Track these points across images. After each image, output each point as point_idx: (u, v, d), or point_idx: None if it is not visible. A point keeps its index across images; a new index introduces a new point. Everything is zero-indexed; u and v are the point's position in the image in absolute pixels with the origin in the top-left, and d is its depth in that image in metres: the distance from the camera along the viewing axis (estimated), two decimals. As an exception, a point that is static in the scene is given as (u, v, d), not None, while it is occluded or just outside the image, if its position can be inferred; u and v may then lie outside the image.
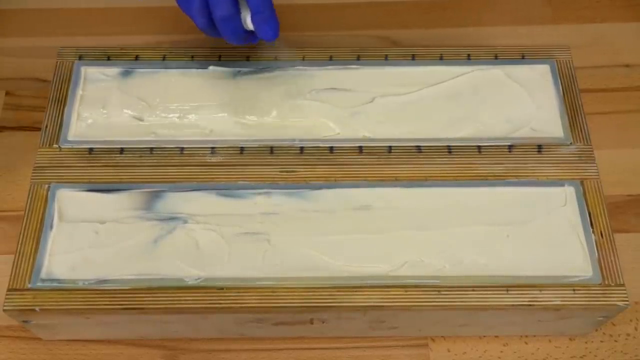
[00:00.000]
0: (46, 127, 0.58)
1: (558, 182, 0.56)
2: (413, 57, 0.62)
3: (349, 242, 0.54)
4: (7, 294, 0.51)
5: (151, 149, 0.58)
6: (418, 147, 0.58)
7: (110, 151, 0.57)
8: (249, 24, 0.55)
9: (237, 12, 0.54)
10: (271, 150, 0.58)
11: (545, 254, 0.53)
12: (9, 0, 0.75)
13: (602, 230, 0.54)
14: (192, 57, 0.62)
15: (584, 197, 0.56)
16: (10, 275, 0.52)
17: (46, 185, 0.56)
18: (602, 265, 0.53)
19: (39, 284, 0.52)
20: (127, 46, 0.63)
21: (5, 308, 0.51)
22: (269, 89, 0.61)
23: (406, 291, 0.52)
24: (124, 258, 0.53)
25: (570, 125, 0.59)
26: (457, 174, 0.57)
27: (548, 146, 0.58)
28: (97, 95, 0.60)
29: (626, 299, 0.52)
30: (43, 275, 0.52)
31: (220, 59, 0.62)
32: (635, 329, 0.58)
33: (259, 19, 0.54)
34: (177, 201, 0.55)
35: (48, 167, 0.57)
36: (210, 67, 0.62)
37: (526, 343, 0.57)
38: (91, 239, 0.53)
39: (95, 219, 0.54)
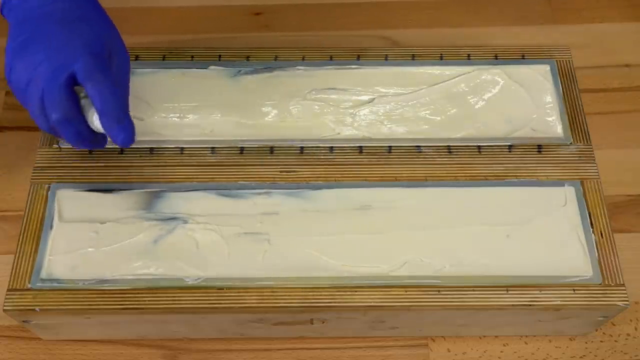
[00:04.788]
0: (46, 127, 0.58)
1: (558, 182, 0.56)
2: (413, 57, 0.62)
3: (349, 242, 0.54)
4: (7, 294, 0.51)
5: (151, 149, 0.58)
6: (418, 147, 0.58)
7: (110, 151, 0.57)
8: (97, 125, 0.48)
9: (77, 112, 0.48)
10: (271, 150, 0.58)
11: (545, 254, 0.53)
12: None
13: (602, 230, 0.54)
14: (192, 57, 0.62)
15: (584, 197, 0.56)
16: (10, 275, 0.52)
17: (46, 185, 0.56)
18: (602, 265, 0.53)
19: (39, 284, 0.52)
20: (127, 46, 0.63)
21: (5, 308, 0.51)
22: (269, 89, 0.60)
23: (406, 291, 0.52)
24: (124, 258, 0.53)
25: (570, 125, 0.59)
26: (457, 174, 0.57)
27: (548, 146, 0.58)
28: (97, 95, 0.60)
29: (626, 299, 0.52)
30: (43, 275, 0.52)
31: (220, 59, 0.62)
32: (635, 329, 0.58)
33: (107, 121, 0.47)
34: (177, 201, 0.55)
35: (48, 167, 0.57)
36: (210, 67, 0.62)
37: (526, 343, 0.57)
38: (91, 239, 0.53)
39: (95, 219, 0.54)
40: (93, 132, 0.49)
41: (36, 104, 0.47)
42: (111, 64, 0.49)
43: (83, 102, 0.49)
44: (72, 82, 0.47)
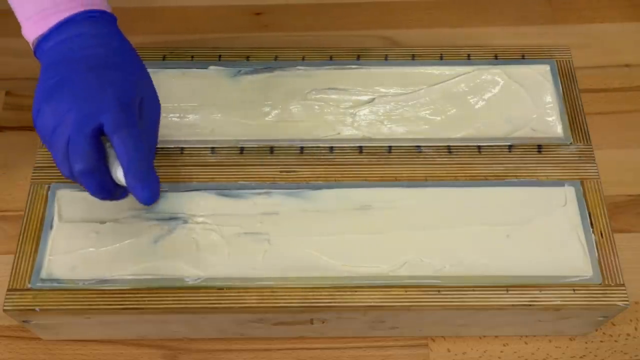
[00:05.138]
0: (46, 127, 0.58)
1: (558, 182, 0.56)
2: (413, 57, 0.62)
3: (349, 242, 0.54)
4: (7, 294, 0.51)
5: (151, 149, 0.58)
6: (418, 147, 0.58)
7: (110, 151, 0.57)
8: (121, 179, 0.47)
9: (101, 164, 0.46)
10: (271, 150, 0.58)
11: (545, 254, 0.53)
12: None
13: (602, 230, 0.54)
14: (192, 57, 0.62)
15: (584, 197, 0.56)
16: (10, 275, 0.52)
17: (46, 185, 0.56)
18: (602, 265, 0.53)
19: (39, 284, 0.52)
20: (127, 46, 0.63)
21: (5, 308, 0.51)
22: (269, 89, 0.61)
23: (406, 291, 0.52)
24: (124, 258, 0.53)
25: (570, 125, 0.59)
26: (457, 174, 0.57)
27: (548, 146, 0.58)
28: (97, 95, 0.60)
29: (626, 299, 0.52)
30: (43, 275, 0.52)
31: (220, 59, 0.62)
32: (635, 329, 0.58)
33: (131, 178, 0.45)
34: (177, 201, 0.55)
35: (48, 167, 0.57)
36: (210, 67, 0.62)
37: (526, 343, 0.57)
38: (91, 239, 0.53)
39: (95, 219, 0.54)
40: (115, 184, 0.48)
41: (61, 151, 0.46)
42: (141, 113, 0.48)
43: (109, 151, 0.47)
44: (99, 132, 0.46)
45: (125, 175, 0.46)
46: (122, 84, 0.47)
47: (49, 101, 0.46)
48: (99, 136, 0.46)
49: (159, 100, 0.51)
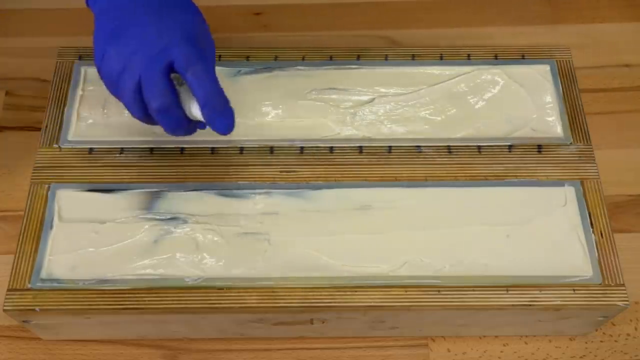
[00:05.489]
0: (46, 127, 0.58)
1: (558, 182, 0.56)
2: (413, 57, 0.62)
3: (349, 242, 0.54)
4: (7, 294, 0.51)
5: (151, 149, 0.58)
6: (418, 147, 0.58)
7: (110, 151, 0.57)
8: (195, 114, 0.48)
9: (176, 100, 0.47)
10: (271, 150, 0.58)
11: (545, 254, 0.53)
12: (10, 0, 0.75)
13: (602, 230, 0.54)
14: (192, 57, 0.62)
15: (584, 197, 0.56)
16: (10, 275, 0.52)
17: (46, 185, 0.56)
18: (602, 265, 0.53)
19: (39, 284, 0.52)
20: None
21: (5, 308, 0.51)
22: (269, 89, 0.61)
23: (406, 291, 0.52)
24: (124, 258, 0.53)
25: (570, 125, 0.59)
26: (457, 174, 0.57)
27: (548, 146, 0.58)
28: (97, 95, 0.60)
29: (626, 299, 0.52)
30: (43, 275, 0.52)
31: (220, 59, 0.62)
32: (635, 329, 0.58)
33: (209, 110, 0.47)
34: (177, 201, 0.55)
35: (48, 167, 0.57)
36: (210, 67, 0.62)
37: (526, 343, 0.57)
38: (91, 239, 0.53)
39: (95, 219, 0.54)
40: (189, 119, 0.49)
41: (130, 94, 0.46)
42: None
43: (179, 89, 0.48)
44: (170, 69, 0.46)
45: (203, 107, 0.46)
46: (184, 22, 0.47)
47: (113, 44, 0.46)
48: (170, 73, 0.46)
49: (212, 39, 0.51)
